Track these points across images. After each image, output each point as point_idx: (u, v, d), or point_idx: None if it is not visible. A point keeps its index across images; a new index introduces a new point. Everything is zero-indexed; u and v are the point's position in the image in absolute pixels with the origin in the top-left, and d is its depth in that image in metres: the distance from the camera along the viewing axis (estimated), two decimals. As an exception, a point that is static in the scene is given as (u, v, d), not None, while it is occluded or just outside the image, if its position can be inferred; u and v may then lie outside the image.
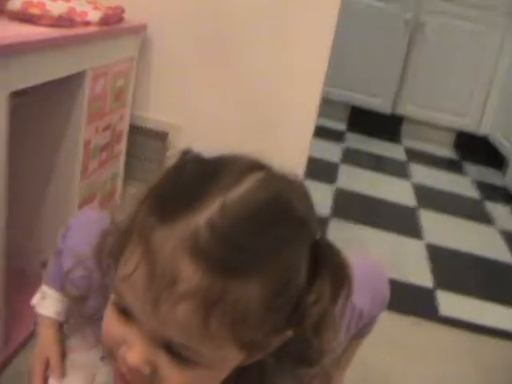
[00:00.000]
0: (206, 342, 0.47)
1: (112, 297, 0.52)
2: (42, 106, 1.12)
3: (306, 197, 0.54)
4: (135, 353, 0.49)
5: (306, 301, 0.52)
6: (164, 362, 0.49)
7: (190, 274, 0.45)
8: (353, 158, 2.64)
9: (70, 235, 0.75)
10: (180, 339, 0.48)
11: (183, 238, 0.46)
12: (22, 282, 1.23)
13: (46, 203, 1.20)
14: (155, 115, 1.41)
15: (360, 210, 2.12)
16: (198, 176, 0.50)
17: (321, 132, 2.87)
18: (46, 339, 0.75)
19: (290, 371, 0.59)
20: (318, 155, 2.57)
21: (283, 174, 0.54)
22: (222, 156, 0.53)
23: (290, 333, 0.53)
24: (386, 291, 0.87)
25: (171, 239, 0.46)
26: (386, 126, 3.08)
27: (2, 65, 0.85)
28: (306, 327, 0.53)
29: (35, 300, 0.77)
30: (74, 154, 1.15)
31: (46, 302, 0.76)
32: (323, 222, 0.53)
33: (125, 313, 0.50)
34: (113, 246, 0.56)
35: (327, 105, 3.07)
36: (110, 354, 0.53)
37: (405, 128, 3.14)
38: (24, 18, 1.07)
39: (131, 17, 1.27)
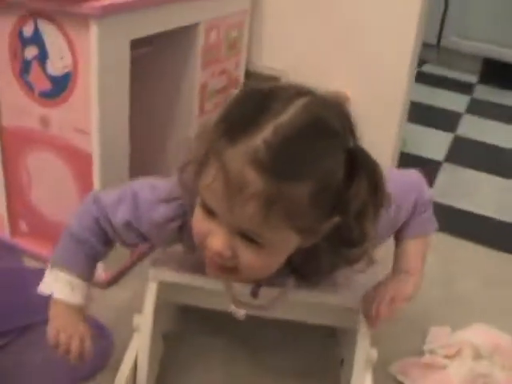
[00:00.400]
0: (269, 229, 0.65)
1: (198, 200, 0.71)
2: (164, 54, 1.33)
3: (342, 114, 0.70)
4: (218, 240, 0.68)
5: (348, 194, 0.68)
6: (240, 245, 0.68)
7: (253, 181, 0.62)
8: (478, 108, 2.64)
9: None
10: (250, 228, 0.66)
11: (247, 154, 0.63)
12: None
13: (168, 138, 1.43)
14: (268, 62, 1.59)
15: (475, 156, 2.15)
16: (255, 105, 0.67)
17: (448, 83, 2.91)
18: (73, 320, 0.86)
19: (339, 252, 0.75)
20: (441, 105, 2.62)
21: (324, 97, 0.70)
22: (273, 85, 0.70)
23: (336, 219, 0.69)
24: (415, 180, 0.97)
25: (237, 156, 0.63)
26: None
27: (128, 16, 1.08)
28: (349, 216, 0.69)
29: (59, 291, 0.86)
30: (191, 95, 1.37)
31: (76, 292, 0.86)
32: (356, 135, 0.68)
33: (209, 212, 0.69)
34: (195, 166, 0.72)
35: (457, 57, 3.08)
36: (201, 246, 0.73)
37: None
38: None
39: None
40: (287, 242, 0.70)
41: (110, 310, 1.17)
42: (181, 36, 1.30)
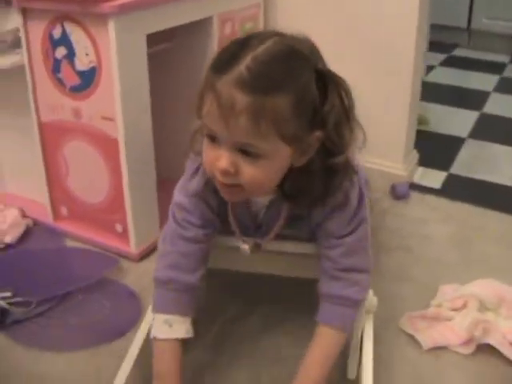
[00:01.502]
0: (261, 138, 0.78)
1: (204, 133, 0.84)
2: (183, 48, 1.46)
3: (310, 46, 0.84)
4: (223, 160, 0.81)
5: (324, 109, 0.82)
6: (241, 160, 0.81)
7: (241, 98, 0.75)
8: (507, 86, 2.66)
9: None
10: (245, 140, 0.79)
11: (233, 79, 0.77)
12: (173, 189, 1.60)
13: (190, 127, 1.54)
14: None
15: (500, 131, 2.18)
16: (238, 44, 0.81)
17: (480, 65, 2.93)
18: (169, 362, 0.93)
19: (326, 163, 0.86)
20: (470, 86, 2.66)
21: (293, 35, 0.83)
22: (252, 33, 0.84)
23: (319, 133, 0.82)
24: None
25: (226, 82, 0.77)
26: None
27: (142, 13, 1.21)
28: (329, 128, 0.82)
29: (158, 331, 0.93)
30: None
31: (175, 326, 0.94)
32: (323, 59, 0.85)
33: (212, 139, 0.82)
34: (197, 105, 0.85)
35: (489, 38, 3.10)
36: (211, 174, 0.86)
37: None
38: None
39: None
40: (280, 152, 0.82)
41: (142, 279, 1.30)
42: (197, 30, 1.42)
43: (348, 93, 0.84)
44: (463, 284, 1.27)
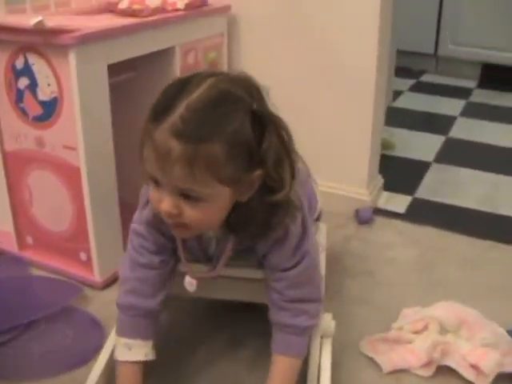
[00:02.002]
0: (198, 183, 0.81)
1: (148, 176, 0.86)
2: (146, 77, 1.47)
3: (246, 85, 0.85)
4: (165, 202, 0.84)
5: (262, 148, 0.84)
6: (183, 203, 0.84)
7: (175, 147, 0.79)
8: (473, 110, 2.72)
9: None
10: (184, 186, 0.82)
11: (168, 128, 0.79)
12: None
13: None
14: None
15: (465, 155, 2.23)
16: (174, 90, 0.83)
17: (447, 90, 3.00)
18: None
19: (267, 200, 0.88)
20: (438, 111, 2.71)
21: (232, 76, 0.86)
22: (190, 74, 0.86)
23: (259, 172, 0.85)
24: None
25: (162, 132, 0.80)
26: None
27: (103, 44, 1.22)
28: (268, 167, 0.84)
29: (119, 354, 0.98)
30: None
31: (134, 350, 0.98)
32: (262, 98, 0.87)
33: (155, 182, 0.85)
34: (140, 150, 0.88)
35: (456, 64, 3.17)
36: (158, 213, 0.88)
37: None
38: (129, 13, 1.43)
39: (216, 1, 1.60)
40: (221, 194, 0.84)
41: (106, 307, 1.30)
42: (159, 60, 1.45)
43: (286, 130, 0.87)
44: (425, 307, 1.29)
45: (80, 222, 1.32)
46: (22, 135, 1.32)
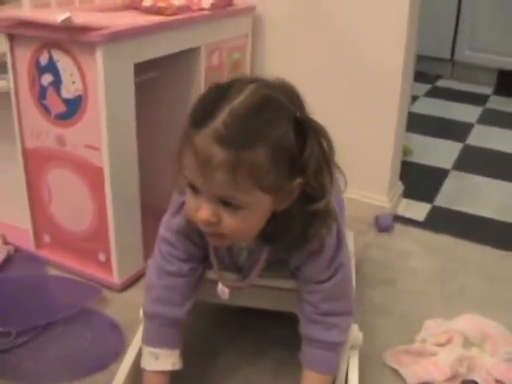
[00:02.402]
0: (240, 191, 0.79)
1: (186, 183, 0.84)
2: (170, 77, 1.46)
3: (288, 92, 0.84)
4: (204, 210, 0.81)
5: (304, 156, 0.82)
6: (222, 211, 0.81)
7: (217, 153, 0.76)
8: (490, 118, 2.70)
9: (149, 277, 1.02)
10: (225, 193, 0.79)
11: (210, 134, 0.77)
12: (157, 217, 1.59)
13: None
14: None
15: (483, 163, 2.21)
16: (215, 95, 0.80)
17: (463, 96, 2.97)
18: None
19: (306, 209, 0.86)
20: (454, 117, 2.69)
21: (272, 82, 0.84)
22: (230, 80, 0.83)
23: (299, 180, 0.82)
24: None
25: (203, 137, 0.77)
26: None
27: (130, 42, 1.20)
28: (308, 175, 0.82)
29: (146, 363, 0.97)
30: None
31: (162, 359, 0.97)
32: (303, 105, 0.85)
33: (193, 189, 0.82)
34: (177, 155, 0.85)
35: (472, 70, 3.14)
36: (195, 221, 0.86)
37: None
38: (154, 11, 1.41)
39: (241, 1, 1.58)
40: (261, 202, 0.82)
41: (125, 310, 1.28)
42: (184, 59, 1.42)
43: (327, 139, 0.85)
44: (447, 318, 1.27)
45: (100, 222, 1.30)
46: (43, 133, 1.30)
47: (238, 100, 0.78)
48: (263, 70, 1.70)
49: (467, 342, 1.19)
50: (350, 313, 0.99)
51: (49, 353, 1.16)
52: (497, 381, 1.11)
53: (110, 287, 1.35)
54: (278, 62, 1.69)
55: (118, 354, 1.16)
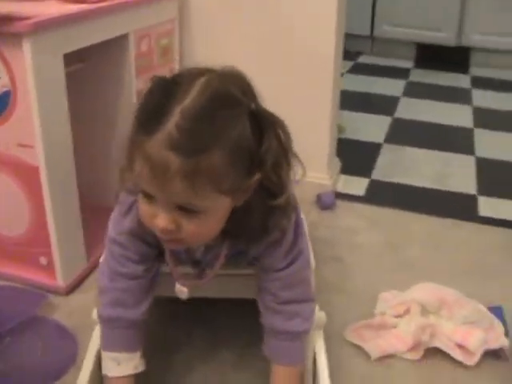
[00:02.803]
0: (199, 197, 0.73)
1: (138, 190, 0.79)
2: (97, 68, 1.39)
3: (240, 81, 0.79)
4: (161, 219, 0.76)
5: (261, 151, 0.77)
6: (180, 217, 0.76)
7: (172, 161, 0.70)
8: (415, 90, 2.76)
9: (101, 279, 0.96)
10: (183, 201, 0.74)
11: (163, 141, 0.70)
12: (97, 214, 1.52)
13: (113, 145, 1.48)
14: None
15: (414, 134, 2.25)
16: (162, 95, 0.73)
17: (385, 71, 3.03)
18: None
19: (266, 204, 0.82)
20: (379, 91, 2.73)
21: (221, 73, 0.78)
22: (176, 73, 0.78)
23: (258, 175, 0.78)
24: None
25: (156, 144, 0.71)
26: (453, 58, 3.15)
27: (59, 32, 1.13)
28: (267, 169, 0.78)
29: (107, 369, 0.92)
30: (130, 102, 1.42)
31: (123, 364, 0.92)
32: (255, 95, 0.81)
33: (148, 196, 0.76)
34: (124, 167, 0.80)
35: (392, 45, 3.20)
36: (151, 228, 0.80)
37: (473, 58, 3.19)
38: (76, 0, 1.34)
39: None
40: (221, 205, 0.78)
41: (74, 314, 1.22)
42: (112, 48, 1.36)
43: (284, 130, 0.81)
44: (400, 290, 1.28)
45: (39, 225, 1.23)
46: (-32, 134, 1.21)
47: (189, 99, 0.71)
48: (192, 55, 1.66)
49: (424, 311, 1.21)
50: (311, 299, 0.97)
51: (-2, 367, 1.09)
52: (458, 345, 1.13)
53: (55, 291, 1.28)
54: (207, 47, 1.66)
55: (72, 360, 1.10)
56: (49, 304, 1.24)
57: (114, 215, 0.94)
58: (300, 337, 0.94)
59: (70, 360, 1.10)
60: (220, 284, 1.00)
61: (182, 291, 0.96)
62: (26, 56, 1.07)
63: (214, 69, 0.78)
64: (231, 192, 0.77)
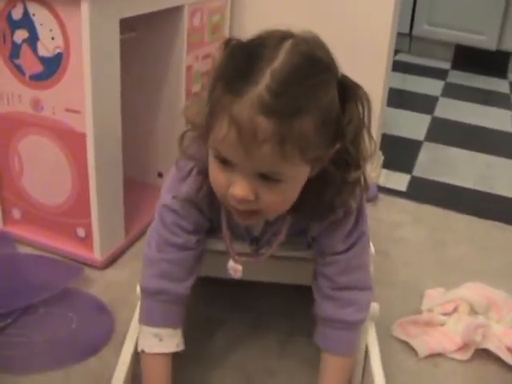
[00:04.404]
0: (286, 165, 0.69)
1: (211, 154, 0.74)
2: (149, 39, 1.36)
3: (324, 47, 0.74)
4: (240, 186, 0.71)
5: (343, 122, 0.73)
6: (260, 186, 0.71)
7: (264, 124, 0.65)
8: (453, 91, 2.70)
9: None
10: (268, 168, 0.69)
11: (253, 103, 0.65)
12: (140, 189, 1.49)
13: (158, 120, 1.44)
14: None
15: (454, 134, 2.20)
16: (246, 56, 0.69)
17: (424, 70, 2.97)
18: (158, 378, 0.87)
19: (340, 176, 0.78)
20: (418, 90, 2.68)
21: (304, 36, 0.73)
22: (256, 36, 0.73)
23: (338, 146, 0.73)
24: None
25: (245, 106, 0.66)
26: (491, 62, 3.08)
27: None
28: (347, 140, 0.73)
29: (147, 345, 0.86)
30: (178, 77, 1.38)
31: (166, 340, 0.87)
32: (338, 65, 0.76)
33: (225, 163, 0.72)
34: (201, 128, 0.75)
35: (430, 45, 3.14)
36: (223, 199, 0.76)
37: (512, 63, 3.13)
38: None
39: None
40: (302, 174, 0.74)
41: (110, 289, 1.18)
42: (165, 20, 1.32)
43: (368, 104, 0.76)
44: (445, 288, 1.23)
45: (80, 195, 1.19)
46: (15, 96, 1.17)
47: (278, 60, 0.67)
48: (242, 35, 1.60)
49: (472, 311, 1.16)
50: (369, 287, 0.92)
51: (31, 338, 1.05)
52: (508, 348, 1.08)
53: (92, 265, 1.24)
54: (258, 27, 1.60)
55: (108, 337, 1.07)
56: (84, 277, 1.21)
57: (169, 181, 0.89)
58: (355, 326, 0.90)
59: (106, 335, 1.07)
60: (275, 267, 0.96)
61: (236, 269, 0.91)
62: (83, 17, 1.04)
63: (294, 33, 0.73)
64: (313, 161, 0.72)
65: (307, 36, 0.73)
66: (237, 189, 0.71)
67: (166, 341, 0.87)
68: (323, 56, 0.72)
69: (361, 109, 0.75)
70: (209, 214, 0.89)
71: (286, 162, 0.68)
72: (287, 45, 0.69)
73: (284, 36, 0.71)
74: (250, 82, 0.66)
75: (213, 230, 0.93)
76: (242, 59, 0.69)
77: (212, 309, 1.15)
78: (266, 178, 0.70)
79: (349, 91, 0.74)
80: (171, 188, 0.89)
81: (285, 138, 0.66)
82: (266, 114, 0.65)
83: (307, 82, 0.67)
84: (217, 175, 0.74)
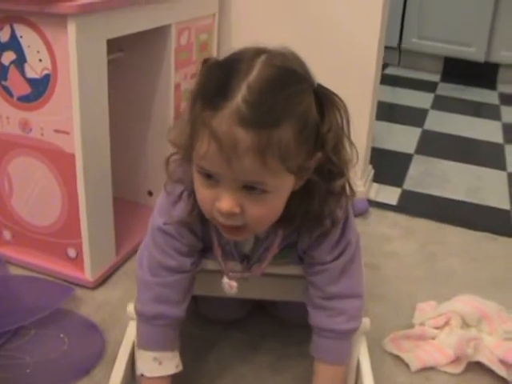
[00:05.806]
0: (268, 174, 0.70)
1: (195, 171, 0.75)
2: (137, 58, 1.36)
3: (299, 60, 0.76)
4: (225, 200, 0.72)
5: (323, 130, 0.74)
6: (245, 198, 0.72)
7: (243, 136, 0.67)
8: (443, 104, 2.72)
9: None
10: (253, 179, 0.70)
11: (231, 116, 0.67)
12: (130, 208, 1.50)
13: (147, 139, 1.45)
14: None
15: (444, 147, 2.21)
16: (223, 72, 0.71)
17: (413, 83, 2.99)
18: None
19: (325, 187, 0.79)
20: (407, 103, 2.70)
21: (278, 50, 0.75)
22: (232, 53, 0.75)
23: (319, 155, 0.75)
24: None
25: (223, 120, 0.67)
26: (481, 74, 3.11)
27: (104, 15, 1.10)
28: (328, 148, 0.75)
29: (147, 369, 0.87)
30: (167, 96, 1.39)
31: (165, 363, 0.88)
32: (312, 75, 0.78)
33: (209, 178, 0.73)
34: (183, 147, 0.77)
35: (419, 58, 3.17)
36: (210, 216, 0.77)
37: (501, 75, 3.15)
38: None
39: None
40: (286, 184, 0.75)
41: (101, 309, 1.18)
42: (152, 39, 1.33)
43: (345, 112, 0.77)
44: (437, 301, 1.23)
45: (70, 215, 1.19)
46: (3, 117, 1.18)
47: (253, 74, 0.69)
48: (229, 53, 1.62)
49: (464, 323, 1.16)
50: (359, 295, 0.92)
51: (23, 360, 1.05)
52: (500, 361, 1.08)
53: (83, 285, 1.24)
54: (245, 45, 1.61)
55: (99, 357, 1.06)
56: (75, 298, 1.20)
57: (160, 205, 0.90)
58: (345, 336, 0.91)
59: (98, 356, 1.06)
60: (270, 284, 0.96)
61: (231, 286, 0.91)
62: (69, 38, 1.04)
63: (269, 48, 0.75)
64: (297, 170, 0.73)
65: (282, 50, 0.75)
66: (222, 203, 0.72)
67: (166, 364, 0.88)
68: (297, 68, 0.74)
69: (339, 116, 0.77)
70: (201, 233, 0.89)
71: (268, 172, 0.69)
72: (262, 58, 0.71)
73: (259, 51, 0.73)
74: (227, 96, 0.68)
75: (206, 250, 0.93)
76: (218, 75, 0.71)
77: (204, 326, 1.15)
78: (251, 189, 0.72)
79: (325, 99, 0.75)
80: (163, 212, 0.89)
81: (264, 148, 0.67)
82: (244, 125, 0.67)
83: (282, 92, 0.69)
84: (202, 192, 0.75)
